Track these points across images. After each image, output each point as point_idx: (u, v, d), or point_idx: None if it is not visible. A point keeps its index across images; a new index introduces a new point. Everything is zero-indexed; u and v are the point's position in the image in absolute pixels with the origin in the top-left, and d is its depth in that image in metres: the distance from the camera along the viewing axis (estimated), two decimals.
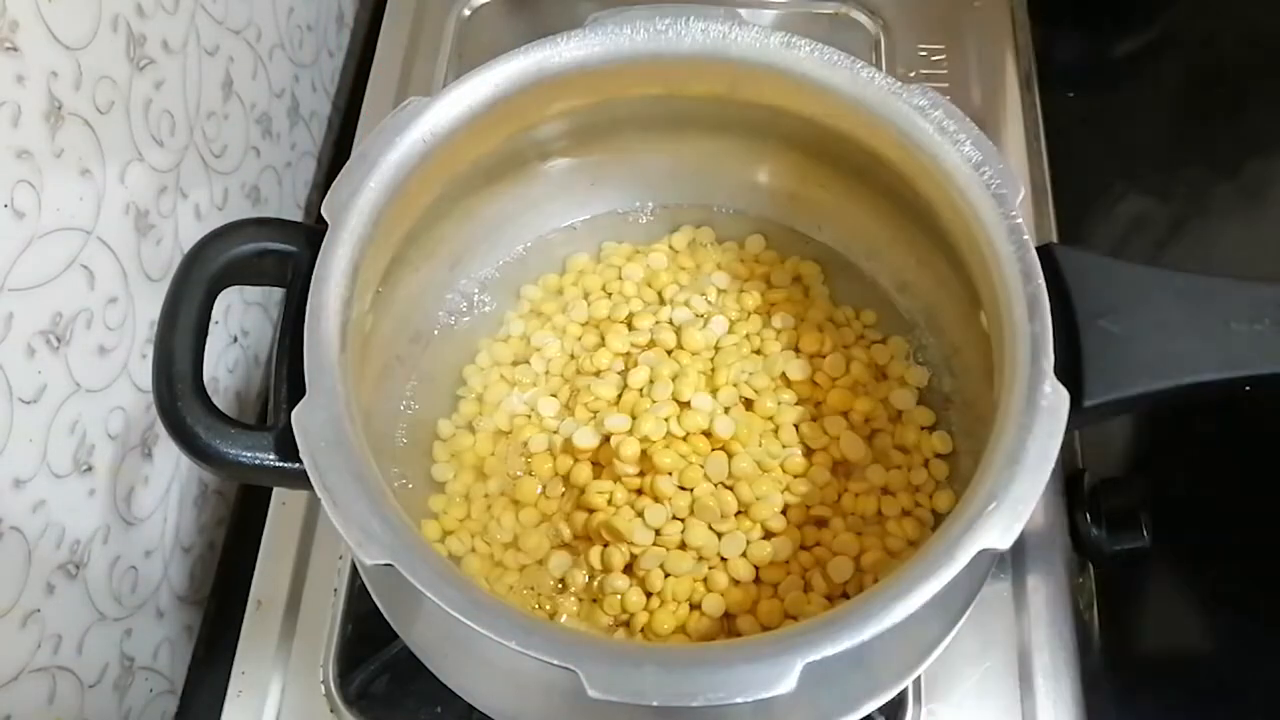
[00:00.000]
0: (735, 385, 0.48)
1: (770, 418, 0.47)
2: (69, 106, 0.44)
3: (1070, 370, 0.37)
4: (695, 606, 0.44)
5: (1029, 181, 0.63)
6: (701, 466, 0.45)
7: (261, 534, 0.54)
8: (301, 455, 0.35)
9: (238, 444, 0.37)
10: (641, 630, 0.43)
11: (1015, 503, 0.34)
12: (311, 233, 0.41)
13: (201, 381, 0.38)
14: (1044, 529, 0.52)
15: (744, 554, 0.44)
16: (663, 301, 0.51)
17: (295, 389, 0.37)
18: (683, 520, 0.44)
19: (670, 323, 0.50)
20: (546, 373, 0.50)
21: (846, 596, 0.43)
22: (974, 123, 0.41)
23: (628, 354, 0.49)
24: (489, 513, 0.47)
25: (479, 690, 0.40)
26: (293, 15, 0.67)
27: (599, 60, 0.44)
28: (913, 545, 0.44)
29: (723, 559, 0.44)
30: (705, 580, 0.44)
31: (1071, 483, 0.54)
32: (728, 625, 0.44)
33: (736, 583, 0.44)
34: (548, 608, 0.45)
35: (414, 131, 0.42)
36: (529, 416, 0.49)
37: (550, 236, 0.54)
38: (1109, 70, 0.74)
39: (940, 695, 0.48)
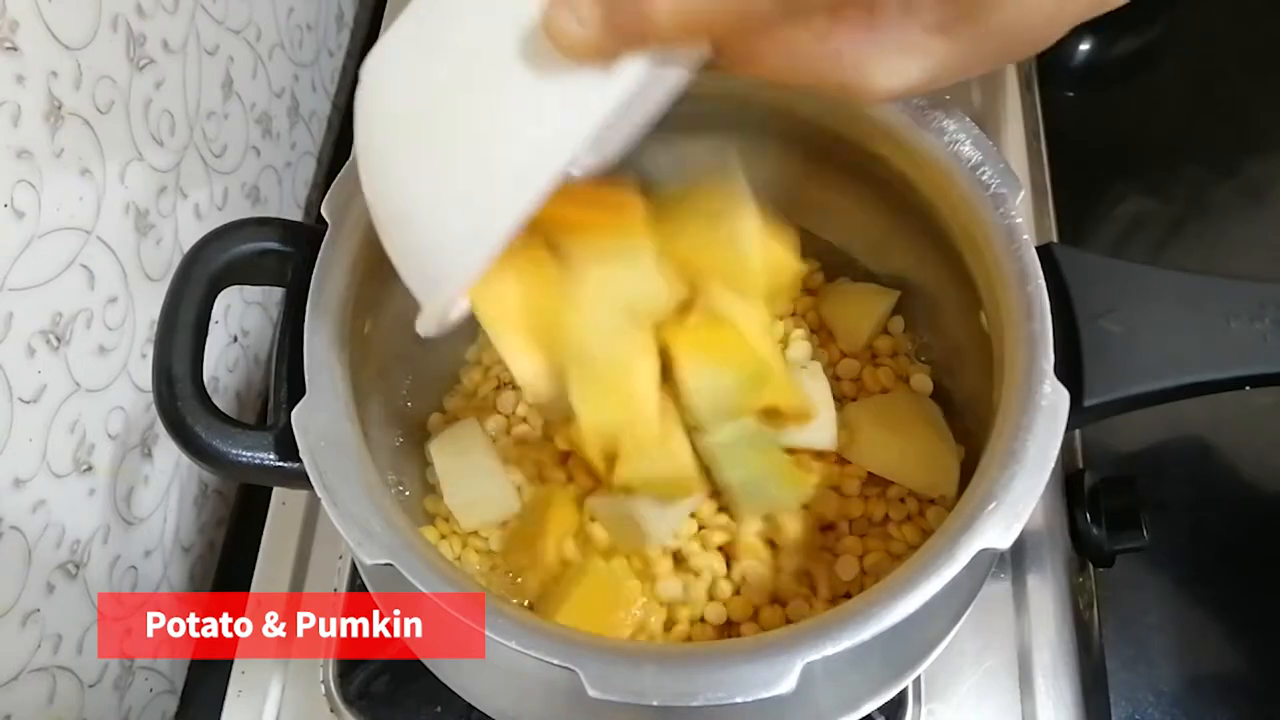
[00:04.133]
0: None
1: None
2: (69, 106, 0.44)
3: (1070, 370, 0.37)
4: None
5: (1029, 181, 0.63)
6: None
7: (261, 534, 0.54)
8: (301, 455, 0.35)
9: (238, 444, 0.37)
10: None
11: (1015, 502, 0.34)
12: (311, 233, 0.41)
13: (201, 381, 0.38)
14: (1044, 529, 0.52)
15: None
16: None
17: (295, 389, 0.37)
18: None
19: None
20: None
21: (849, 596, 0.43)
22: (974, 123, 0.41)
23: None
24: None
25: (479, 690, 0.40)
26: (293, 15, 0.67)
27: None
28: (915, 550, 0.44)
29: (726, 561, 0.44)
30: (710, 589, 0.44)
31: (1071, 483, 0.53)
32: (729, 632, 0.44)
33: (739, 592, 0.44)
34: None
35: None
36: (525, 419, 0.49)
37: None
38: (1109, 70, 0.74)
39: (940, 695, 0.48)
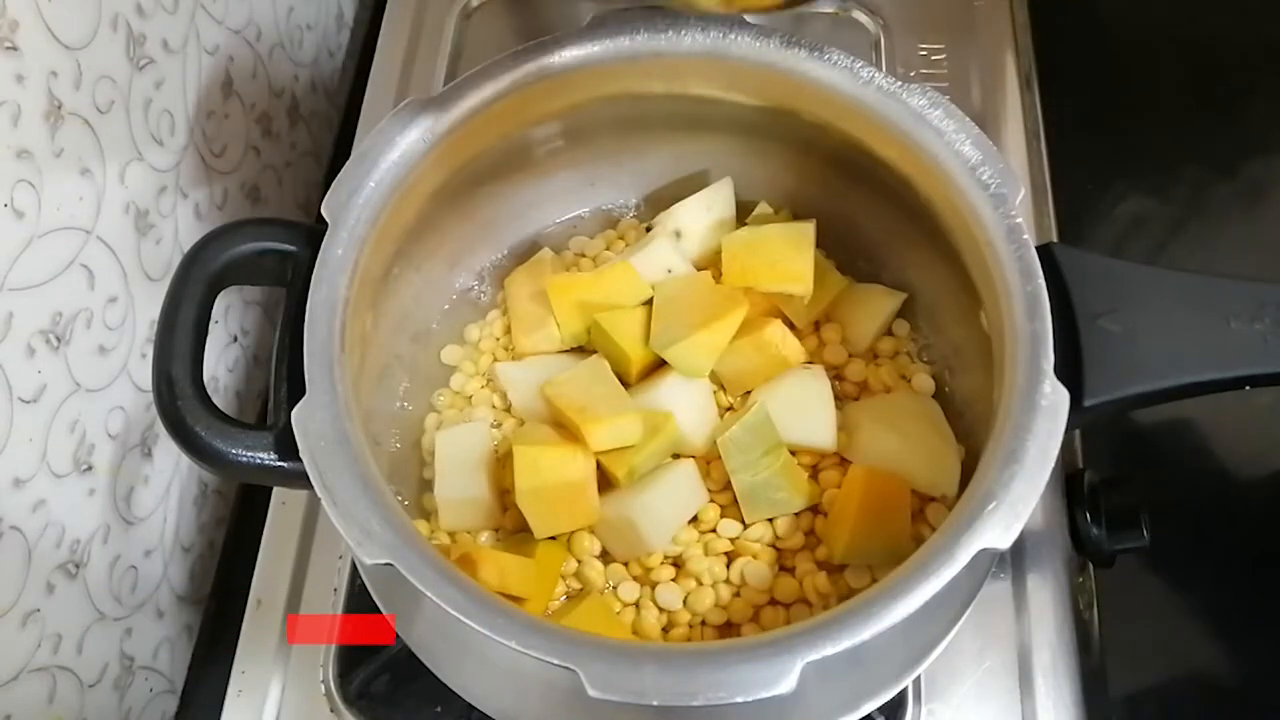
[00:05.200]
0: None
1: None
2: (69, 106, 0.44)
3: (1070, 370, 0.37)
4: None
5: (1029, 181, 0.63)
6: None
7: (261, 534, 0.54)
8: (301, 455, 0.35)
9: (237, 443, 0.37)
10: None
11: (1015, 502, 0.34)
12: (311, 232, 0.41)
13: (201, 381, 0.38)
14: (1044, 529, 0.52)
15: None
16: None
17: (295, 389, 0.37)
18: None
19: None
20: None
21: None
22: (974, 123, 0.41)
23: None
24: None
25: (479, 690, 0.40)
26: (293, 15, 0.67)
27: (598, 60, 0.44)
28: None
29: (727, 567, 0.44)
30: (710, 593, 0.44)
31: (1071, 483, 0.53)
32: (729, 633, 0.44)
33: (738, 594, 0.44)
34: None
35: (414, 131, 0.42)
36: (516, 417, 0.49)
37: (550, 235, 0.54)
38: (1109, 70, 0.74)
39: (940, 695, 0.48)
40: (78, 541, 0.47)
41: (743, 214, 0.52)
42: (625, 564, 0.45)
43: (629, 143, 0.51)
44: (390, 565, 0.33)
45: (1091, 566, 0.53)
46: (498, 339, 0.51)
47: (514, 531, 0.46)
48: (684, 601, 0.43)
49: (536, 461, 0.43)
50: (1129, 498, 0.52)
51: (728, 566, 0.44)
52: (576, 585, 0.45)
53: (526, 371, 0.48)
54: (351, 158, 0.41)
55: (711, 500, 0.45)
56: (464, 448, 0.46)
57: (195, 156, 0.55)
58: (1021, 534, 0.33)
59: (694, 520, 0.45)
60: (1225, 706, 0.52)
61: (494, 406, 0.49)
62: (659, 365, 0.47)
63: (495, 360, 0.50)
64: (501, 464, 0.46)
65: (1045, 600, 0.50)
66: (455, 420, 0.49)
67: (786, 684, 0.31)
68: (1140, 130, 0.70)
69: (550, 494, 0.43)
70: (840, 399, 0.47)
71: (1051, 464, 0.34)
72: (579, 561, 0.45)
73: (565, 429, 0.45)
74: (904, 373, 0.49)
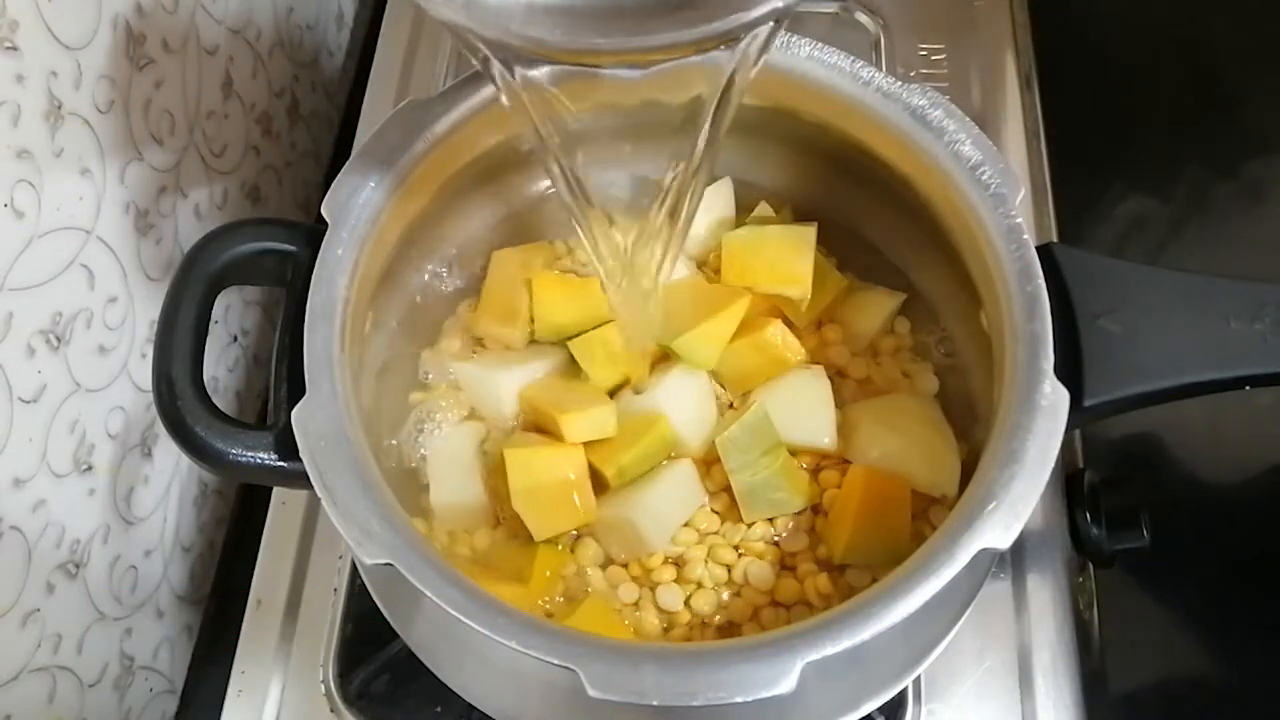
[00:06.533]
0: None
1: None
2: (69, 106, 0.44)
3: (1070, 370, 0.37)
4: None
5: (1029, 181, 0.63)
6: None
7: (261, 534, 0.54)
8: (301, 455, 0.35)
9: (237, 443, 0.37)
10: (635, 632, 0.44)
11: (1015, 502, 0.34)
12: (311, 232, 0.41)
13: (201, 381, 0.38)
14: (1044, 529, 0.52)
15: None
16: None
17: (295, 389, 0.37)
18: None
19: None
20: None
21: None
22: (974, 123, 0.41)
23: None
24: None
25: (479, 690, 0.40)
26: (292, 15, 0.67)
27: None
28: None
29: (728, 567, 0.44)
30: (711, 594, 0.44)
31: (1071, 482, 0.54)
32: (730, 633, 0.44)
33: (738, 594, 0.44)
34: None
35: (414, 131, 0.42)
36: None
37: (549, 235, 0.54)
38: (1109, 70, 0.74)
39: (940, 695, 0.48)
40: (78, 541, 0.47)
41: (742, 213, 0.52)
42: (625, 565, 0.45)
43: (629, 144, 0.51)
44: (390, 565, 0.33)
45: (1091, 566, 0.53)
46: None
47: (512, 533, 0.46)
48: (684, 602, 0.43)
49: (529, 463, 0.43)
50: (1129, 498, 0.52)
51: (729, 567, 0.44)
52: (577, 585, 0.45)
53: (485, 371, 0.48)
54: (351, 158, 0.41)
55: (711, 500, 0.45)
56: (458, 451, 0.46)
57: (195, 156, 0.55)
58: (1021, 534, 0.33)
59: (694, 520, 0.45)
60: (1224, 707, 0.52)
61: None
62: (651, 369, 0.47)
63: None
64: (496, 466, 0.46)
65: (1045, 600, 0.50)
66: (451, 421, 0.49)
67: (786, 684, 0.31)
68: (1140, 130, 0.70)
69: (545, 494, 0.43)
70: (841, 399, 0.47)
71: (1051, 464, 0.34)
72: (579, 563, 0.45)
73: (545, 429, 0.45)
74: (905, 371, 0.49)
